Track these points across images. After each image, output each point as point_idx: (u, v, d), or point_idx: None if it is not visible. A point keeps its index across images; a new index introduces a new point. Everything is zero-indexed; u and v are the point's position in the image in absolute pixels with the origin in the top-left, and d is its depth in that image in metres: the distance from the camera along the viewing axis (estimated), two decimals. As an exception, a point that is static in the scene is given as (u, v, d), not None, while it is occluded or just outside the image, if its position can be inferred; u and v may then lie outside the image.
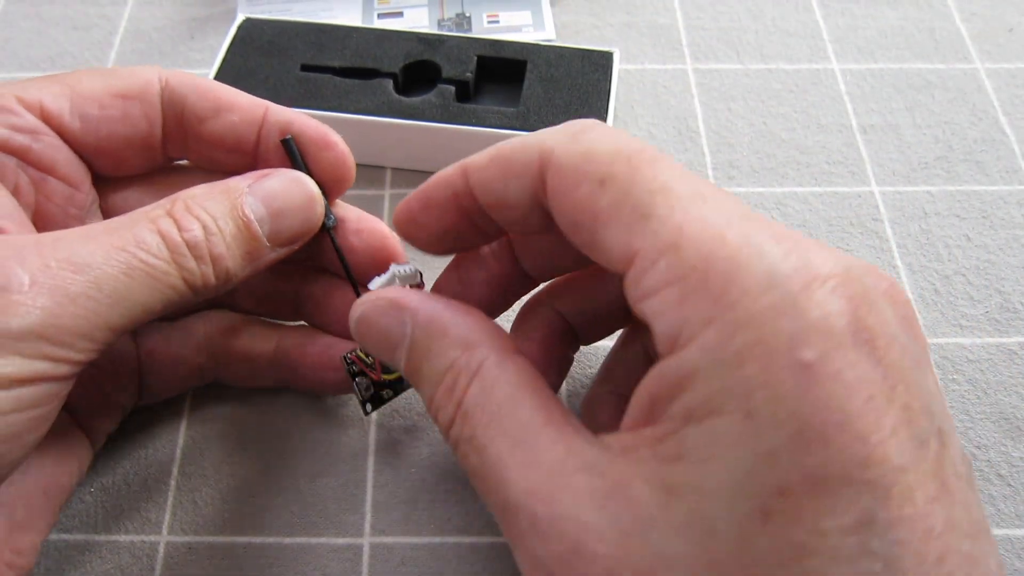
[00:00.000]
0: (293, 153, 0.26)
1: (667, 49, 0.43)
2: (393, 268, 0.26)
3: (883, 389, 0.16)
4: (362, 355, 0.28)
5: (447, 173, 0.23)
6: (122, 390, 0.28)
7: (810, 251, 0.17)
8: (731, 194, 0.20)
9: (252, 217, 0.24)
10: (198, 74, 0.42)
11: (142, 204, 0.25)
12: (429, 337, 0.22)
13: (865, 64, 0.43)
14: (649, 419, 0.18)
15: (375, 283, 0.25)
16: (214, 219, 0.23)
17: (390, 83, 0.37)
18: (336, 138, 0.27)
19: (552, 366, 0.27)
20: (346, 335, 0.29)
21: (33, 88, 0.25)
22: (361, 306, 0.23)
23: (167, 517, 0.29)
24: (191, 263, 0.22)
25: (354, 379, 0.28)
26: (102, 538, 0.28)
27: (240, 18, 0.39)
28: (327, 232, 0.27)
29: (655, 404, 0.18)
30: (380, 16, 0.43)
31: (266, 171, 0.25)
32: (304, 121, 0.27)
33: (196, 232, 0.23)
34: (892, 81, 0.42)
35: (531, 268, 0.27)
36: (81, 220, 0.26)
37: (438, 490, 0.29)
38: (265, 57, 0.38)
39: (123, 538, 0.28)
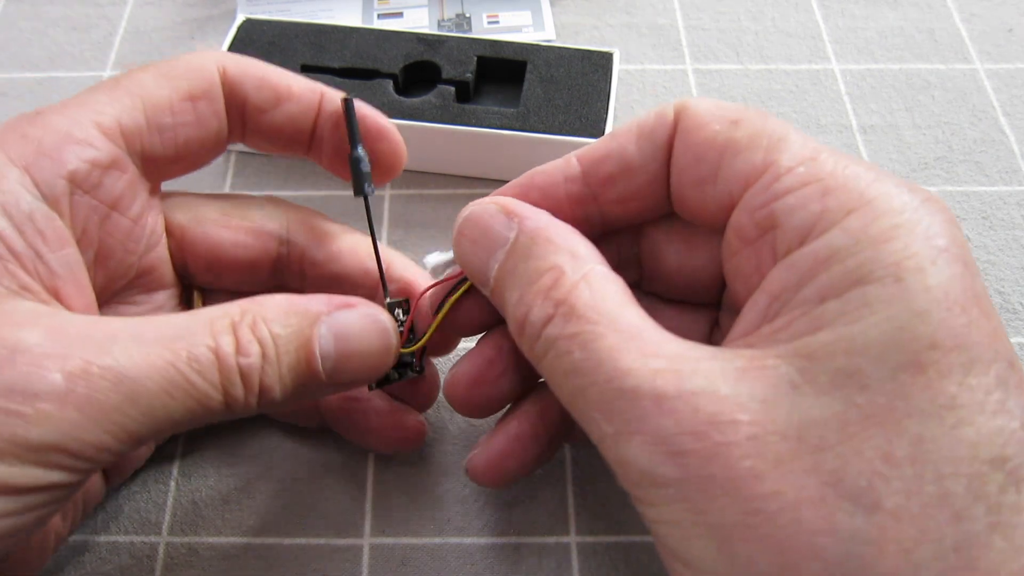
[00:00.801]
0: (351, 116, 0.26)
1: (667, 50, 0.43)
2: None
3: (984, 291, 0.19)
4: None
5: (551, 163, 0.24)
6: None
7: (911, 183, 0.20)
8: None
9: (318, 352, 0.22)
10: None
11: (207, 219, 0.26)
12: (533, 242, 0.22)
13: (865, 64, 0.43)
14: (764, 318, 0.19)
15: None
16: (276, 346, 0.22)
17: (390, 83, 0.37)
18: (391, 128, 0.27)
19: None
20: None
21: (107, 107, 0.24)
22: (470, 207, 0.23)
23: (167, 517, 0.29)
24: (239, 389, 0.21)
25: None
26: (102, 538, 0.28)
27: (240, 18, 0.39)
28: (364, 199, 0.26)
29: (775, 299, 0.19)
30: (380, 16, 0.43)
31: (349, 300, 0.24)
32: (361, 110, 0.27)
33: (254, 360, 0.21)
34: (892, 81, 0.42)
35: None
36: (137, 256, 0.25)
37: (438, 490, 0.29)
38: (265, 57, 0.37)
39: (123, 538, 0.28)
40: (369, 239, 0.27)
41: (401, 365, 0.27)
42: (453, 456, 0.30)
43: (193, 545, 0.28)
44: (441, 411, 0.31)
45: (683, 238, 0.25)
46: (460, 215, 0.23)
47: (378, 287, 0.27)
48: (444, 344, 0.29)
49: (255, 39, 0.39)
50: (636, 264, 0.26)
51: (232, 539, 0.28)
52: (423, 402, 0.29)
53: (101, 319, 0.22)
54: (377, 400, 0.28)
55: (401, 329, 0.27)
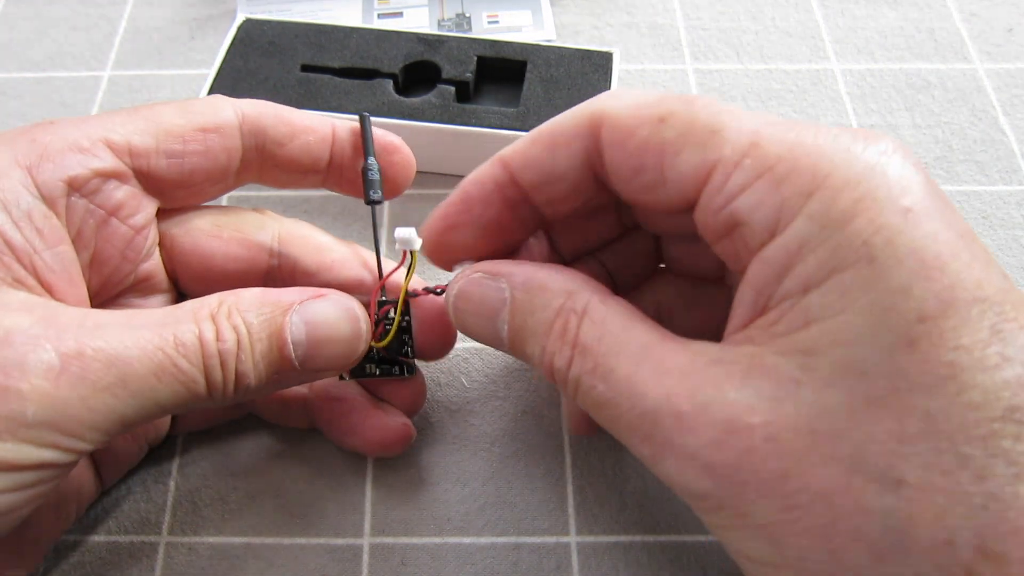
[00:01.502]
0: (366, 129, 0.28)
1: (667, 49, 0.43)
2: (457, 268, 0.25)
3: (964, 230, 0.18)
4: None
5: (482, 170, 0.24)
6: (152, 428, 0.28)
7: (865, 133, 0.20)
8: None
9: (289, 339, 0.23)
10: (198, 75, 0.42)
11: (197, 229, 0.27)
12: (529, 294, 0.22)
13: (865, 64, 0.43)
14: (755, 312, 0.19)
15: (399, 232, 0.26)
16: (249, 332, 0.23)
17: (390, 83, 0.37)
18: (400, 142, 0.28)
19: None
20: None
21: (119, 127, 0.25)
22: (456, 283, 0.24)
23: (167, 517, 0.29)
24: (218, 374, 0.22)
25: None
26: (102, 538, 0.28)
27: (240, 18, 0.39)
28: (372, 206, 0.27)
29: (760, 294, 0.19)
30: (380, 16, 0.43)
31: (322, 291, 0.25)
32: (373, 130, 0.28)
33: (230, 345, 0.22)
34: (892, 81, 0.42)
35: (567, 251, 0.28)
36: (136, 264, 0.26)
37: (438, 490, 0.29)
38: (265, 57, 0.38)
39: (123, 538, 0.28)
40: (361, 250, 0.28)
41: (386, 363, 0.28)
42: (453, 456, 0.30)
43: (193, 545, 0.28)
44: (440, 412, 0.31)
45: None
46: (448, 293, 0.24)
47: (369, 301, 0.27)
48: (438, 347, 0.29)
49: (255, 39, 0.39)
50: (656, 252, 0.28)
51: (232, 539, 0.28)
52: (408, 405, 0.29)
53: (91, 310, 0.23)
54: (361, 400, 0.28)
55: (389, 327, 0.27)
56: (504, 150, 0.24)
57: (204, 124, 0.26)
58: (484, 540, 0.28)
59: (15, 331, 0.20)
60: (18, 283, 0.22)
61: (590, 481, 0.30)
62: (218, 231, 0.27)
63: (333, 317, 0.24)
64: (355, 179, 0.28)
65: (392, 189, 0.28)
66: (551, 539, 0.28)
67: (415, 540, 0.28)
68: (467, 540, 0.28)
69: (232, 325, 0.23)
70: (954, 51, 0.43)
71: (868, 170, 0.18)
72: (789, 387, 0.18)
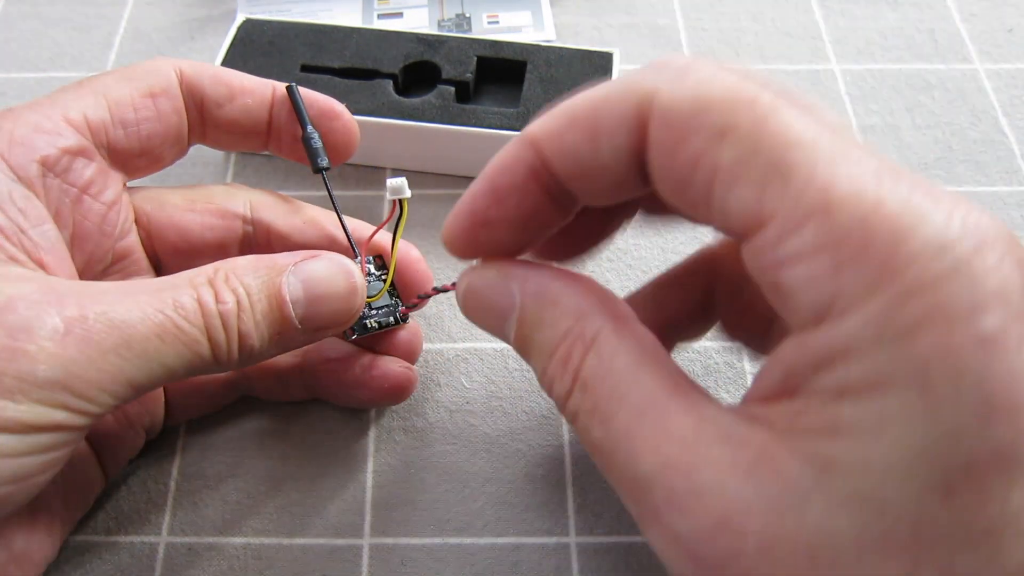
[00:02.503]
0: (297, 100, 0.28)
1: (667, 50, 0.43)
2: None
3: None
4: None
5: (509, 154, 0.20)
6: (146, 414, 0.28)
7: (970, 212, 0.16)
8: (869, 145, 0.17)
9: (287, 298, 0.24)
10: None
11: (171, 204, 0.27)
12: (539, 307, 0.20)
13: (865, 64, 0.43)
14: (783, 392, 0.17)
15: (390, 181, 0.27)
16: (248, 294, 0.23)
17: (390, 84, 0.37)
18: (341, 108, 0.29)
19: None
20: None
21: (72, 104, 0.26)
22: (467, 277, 0.22)
23: (167, 518, 0.29)
24: (221, 334, 0.23)
25: None
26: (102, 538, 0.28)
27: (240, 18, 0.39)
28: (321, 173, 0.28)
29: (789, 376, 0.17)
30: (380, 17, 0.43)
31: (316, 252, 0.25)
32: (311, 95, 0.29)
33: (230, 305, 0.23)
34: (892, 82, 0.42)
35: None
36: (114, 240, 0.26)
37: (438, 490, 0.29)
38: (265, 58, 0.38)
39: (123, 538, 0.28)
40: (330, 209, 0.29)
41: (382, 317, 0.29)
42: (453, 456, 0.30)
43: (193, 545, 0.28)
44: (440, 411, 0.31)
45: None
46: (459, 285, 0.23)
47: (345, 253, 0.28)
48: (417, 291, 0.30)
49: (255, 39, 0.39)
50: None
51: (232, 539, 0.28)
52: (407, 353, 0.30)
53: (88, 281, 0.23)
54: (359, 354, 0.29)
55: (383, 279, 0.29)
56: (532, 127, 0.20)
57: (151, 88, 0.27)
58: (484, 540, 0.28)
59: (18, 298, 0.21)
60: (12, 261, 0.23)
61: (590, 481, 0.30)
62: (191, 204, 0.28)
63: (328, 274, 0.25)
64: (294, 142, 0.29)
65: (334, 156, 0.29)
66: (551, 539, 0.28)
67: (415, 540, 0.28)
68: (467, 540, 0.28)
69: (231, 288, 0.23)
70: (954, 51, 0.43)
71: (951, 275, 0.15)
72: (798, 499, 0.16)
